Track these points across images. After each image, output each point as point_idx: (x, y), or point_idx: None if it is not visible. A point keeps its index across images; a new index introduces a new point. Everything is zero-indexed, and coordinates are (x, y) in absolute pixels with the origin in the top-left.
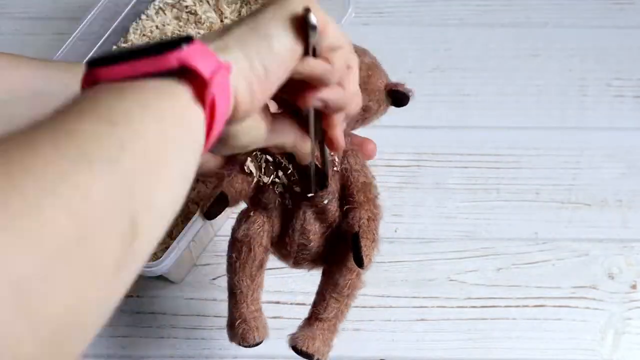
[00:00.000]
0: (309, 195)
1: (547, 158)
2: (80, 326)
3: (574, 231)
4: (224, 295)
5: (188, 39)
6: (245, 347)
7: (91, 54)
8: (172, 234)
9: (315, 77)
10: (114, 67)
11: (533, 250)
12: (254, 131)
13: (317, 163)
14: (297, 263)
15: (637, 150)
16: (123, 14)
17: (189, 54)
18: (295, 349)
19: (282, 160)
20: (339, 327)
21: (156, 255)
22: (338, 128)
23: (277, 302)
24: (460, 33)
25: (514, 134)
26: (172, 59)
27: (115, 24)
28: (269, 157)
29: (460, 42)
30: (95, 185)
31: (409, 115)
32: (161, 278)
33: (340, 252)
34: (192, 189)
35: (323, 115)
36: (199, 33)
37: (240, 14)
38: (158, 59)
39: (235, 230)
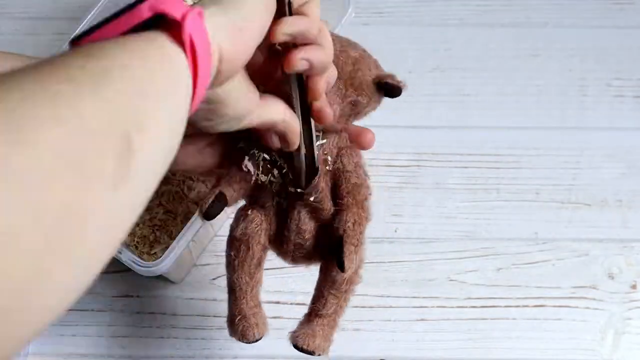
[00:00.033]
0: (299, 190)
1: (547, 158)
2: (79, 224)
3: (574, 231)
4: (224, 295)
5: None
6: (245, 343)
7: None
8: (172, 234)
9: (299, 34)
10: (94, 33)
11: (533, 250)
12: (242, 100)
13: (305, 153)
14: (294, 260)
15: (637, 150)
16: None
17: (158, 1)
18: (296, 346)
19: (278, 160)
20: (339, 322)
21: (156, 255)
22: (323, 95)
23: (277, 302)
24: (460, 33)
25: (514, 134)
26: (144, 9)
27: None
28: (266, 156)
29: (460, 42)
30: (84, 102)
31: (409, 115)
32: (161, 278)
33: (333, 251)
34: (192, 189)
35: (307, 84)
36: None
37: None
38: (132, 14)
39: (233, 228)
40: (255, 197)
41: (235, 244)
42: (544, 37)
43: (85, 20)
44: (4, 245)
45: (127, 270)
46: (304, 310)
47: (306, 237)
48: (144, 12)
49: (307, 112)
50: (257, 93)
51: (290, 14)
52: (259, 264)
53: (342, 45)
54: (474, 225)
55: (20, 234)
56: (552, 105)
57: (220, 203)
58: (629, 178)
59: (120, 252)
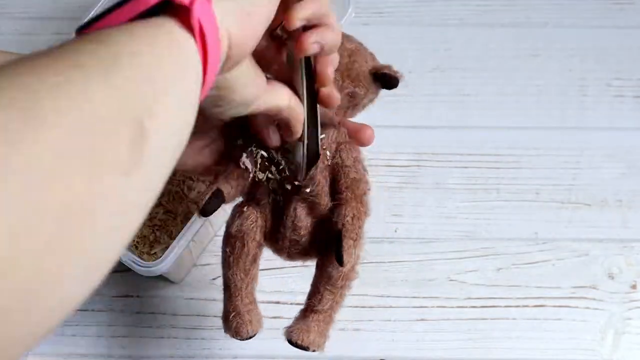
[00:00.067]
0: (296, 183)
1: (547, 158)
2: (88, 216)
3: (574, 231)
4: None
5: None
6: (239, 339)
7: None
8: (172, 234)
9: (313, 17)
10: (100, 21)
11: (533, 250)
12: (251, 86)
13: (307, 142)
14: (290, 257)
15: (637, 150)
16: None
17: None
18: (290, 341)
19: (275, 156)
20: (335, 317)
21: (156, 255)
22: (332, 79)
23: (277, 302)
24: (460, 33)
25: (514, 134)
26: None
27: None
28: (264, 153)
29: (460, 42)
30: (94, 89)
31: (409, 115)
32: (161, 278)
33: (332, 246)
34: (192, 189)
35: (315, 69)
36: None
37: None
38: (138, 0)
39: (229, 225)
40: (251, 195)
41: (231, 240)
42: (544, 37)
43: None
44: (12, 240)
45: (127, 270)
46: None
47: (302, 233)
48: None
49: (313, 98)
50: (264, 78)
51: None
52: (254, 260)
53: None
54: (474, 225)
55: (31, 225)
56: (552, 105)
57: (218, 199)
58: (629, 178)
59: None
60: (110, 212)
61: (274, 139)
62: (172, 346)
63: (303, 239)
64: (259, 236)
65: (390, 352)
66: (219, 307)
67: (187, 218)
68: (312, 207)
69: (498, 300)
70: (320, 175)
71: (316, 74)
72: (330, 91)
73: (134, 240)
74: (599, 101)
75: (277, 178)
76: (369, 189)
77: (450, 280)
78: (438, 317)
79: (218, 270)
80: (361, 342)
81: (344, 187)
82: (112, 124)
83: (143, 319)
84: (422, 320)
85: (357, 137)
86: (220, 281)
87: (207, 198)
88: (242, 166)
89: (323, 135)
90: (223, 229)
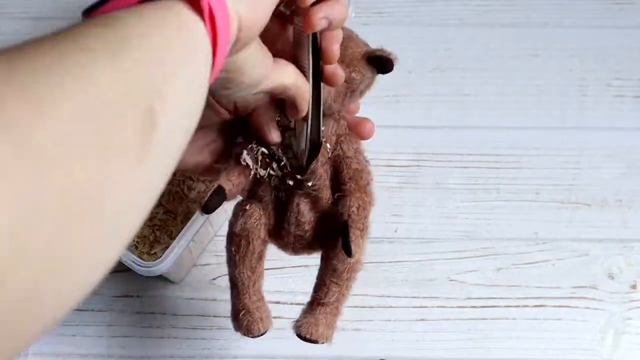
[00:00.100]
0: (298, 177)
1: (547, 158)
2: (95, 202)
3: (574, 231)
4: (224, 295)
5: None
6: (251, 337)
7: None
8: (172, 234)
9: None
10: (107, 4)
11: (533, 250)
12: (259, 67)
13: (311, 123)
14: (295, 251)
15: (637, 150)
16: None
17: None
18: (299, 335)
19: (276, 152)
20: (342, 309)
21: (156, 255)
22: (337, 52)
23: (277, 302)
24: (460, 33)
25: (514, 134)
26: None
27: None
28: (264, 150)
29: (460, 42)
30: (101, 72)
31: (409, 115)
32: (161, 278)
33: (336, 238)
34: (192, 189)
35: (321, 46)
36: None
37: None
38: None
39: (232, 224)
40: (253, 192)
41: (235, 239)
42: (544, 37)
43: None
44: (12, 233)
45: (127, 270)
46: None
47: (305, 228)
48: None
49: (318, 76)
50: (271, 58)
51: None
52: (260, 257)
53: None
54: (474, 225)
55: (35, 215)
56: (552, 105)
57: (219, 196)
58: (629, 178)
59: None
60: (117, 198)
61: (274, 136)
62: (172, 346)
63: (307, 234)
64: (263, 233)
65: (390, 352)
66: (219, 307)
67: (187, 218)
68: (314, 201)
69: (498, 300)
70: (322, 169)
71: (322, 51)
72: (335, 68)
73: (134, 240)
74: (599, 101)
75: (278, 175)
76: (371, 179)
77: (450, 280)
78: (438, 317)
79: (218, 270)
80: (361, 342)
81: (347, 178)
82: (120, 107)
83: (143, 319)
84: (422, 320)
85: (357, 130)
86: (220, 281)
87: (208, 195)
88: (243, 163)
89: (323, 128)
90: (223, 229)
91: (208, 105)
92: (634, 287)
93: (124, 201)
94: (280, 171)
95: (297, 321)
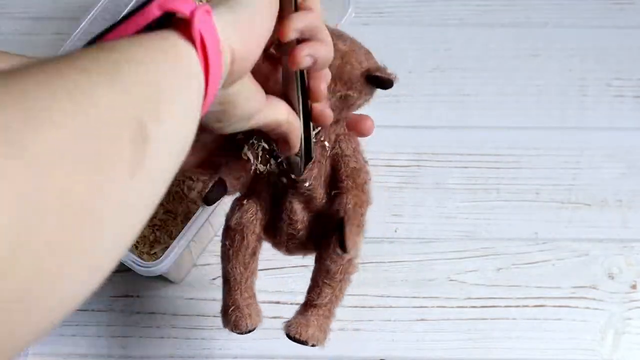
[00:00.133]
0: (293, 177)
1: (547, 158)
2: (90, 216)
3: (574, 231)
4: None
5: None
6: (238, 333)
7: None
8: (172, 234)
9: (307, 29)
10: (106, 35)
11: (533, 250)
12: (252, 100)
13: (302, 153)
14: (289, 251)
15: (637, 150)
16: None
17: (167, 0)
18: (289, 336)
19: (275, 149)
20: (335, 312)
21: (156, 255)
22: (325, 96)
23: (277, 302)
24: (460, 33)
25: (514, 134)
26: (154, 8)
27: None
28: (265, 145)
29: (460, 42)
30: (97, 93)
31: (409, 115)
32: (161, 278)
33: (330, 239)
34: (192, 189)
35: (309, 85)
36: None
37: None
38: (142, 14)
39: (228, 218)
40: (251, 188)
41: (230, 233)
42: (544, 37)
43: (85, 20)
44: (11, 241)
45: (127, 270)
46: None
47: (298, 227)
48: (154, 10)
49: (307, 114)
50: (263, 93)
51: (296, 9)
52: (254, 254)
53: (331, 36)
54: (474, 225)
55: (31, 225)
56: (552, 105)
57: (220, 188)
58: (629, 178)
59: None
60: (112, 213)
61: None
62: (172, 346)
63: (300, 233)
64: (258, 229)
65: (390, 352)
66: (219, 307)
67: (187, 218)
68: (307, 201)
69: (498, 300)
70: (316, 168)
71: (309, 90)
72: (323, 108)
73: (133, 240)
74: (599, 101)
75: (275, 171)
76: (369, 179)
77: (450, 280)
78: (438, 317)
79: (218, 270)
80: (361, 342)
81: (345, 176)
82: (117, 127)
83: (143, 319)
84: (422, 320)
85: (357, 127)
86: (220, 281)
87: (209, 186)
88: (244, 157)
89: (320, 128)
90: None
91: None
92: (634, 287)
93: (118, 214)
94: (277, 168)
95: (288, 322)
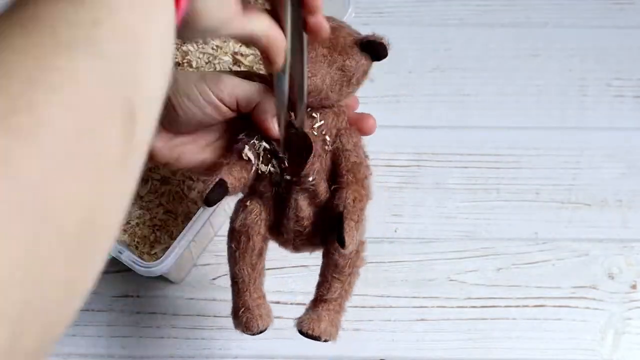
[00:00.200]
0: (296, 170)
1: (547, 158)
2: (102, 224)
3: (574, 231)
4: (224, 295)
5: None
6: (250, 335)
7: None
8: (172, 234)
9: None
10: None
11: (533, 250)
12: (217, 10)
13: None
14: (296, 248)
15: (637, 150)
16: None
17: None
18: (301, 332)
19: (277, 149)
20: (345, 306)
21: (156, 256)
22: (321, 3)
23: (277, 302)
24: (460, 33)
25: (514, 134)
26: None
27: None
28: (266, 145)
29: (460, 42)
30: (81, 71)
31: (409, 115)
32: (161, 278)
33: (335, 232)
34: (192, 189)
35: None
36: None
37: None
38: None
39: (233, 220)
40: (254, 188)
41: (236, 235)
42: (544, 37)
43: None
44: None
45: (127, 270)
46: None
47: (305, 224)
48: None
49: (300, 30)
50: (237, 3)
51: None
52: (260, 254)
53: None
54: (474, 225)
55: (46, 251)
56: (552, 105)
57: (221, 189)
58: (629, 178)
59: (120, 252)
60: (108, 207)
61: (277, 129)
62: (172, 346)
63: (306, 230)
64: (263, 229)
65: (390, 352)
66: (219, 307)
67: (187, 218)
68: (312, 196)
69: (498, 300)
70: (318, 162)
71: (304, 2)
72: (320, 21)
73: (134, 241)
74: (599, 101)
75: (278, 170)
76: (370, 174)
77: (450, 280)
78: (438, 317)
79: (218, 270)
80: (361, 342)
81: (345, 171)
82: (103, 113)
83: (143, 319)
84: (422, 320)
85: (359, 126)
86: (220, 281)
87: (210, 187)
88: (245, 157)
89: (322, 122)
90: (223, 229)
91: (210, 104)
92: (634, 287)
93: (113, 206)
94: (280, 167)
95: (300, 318)
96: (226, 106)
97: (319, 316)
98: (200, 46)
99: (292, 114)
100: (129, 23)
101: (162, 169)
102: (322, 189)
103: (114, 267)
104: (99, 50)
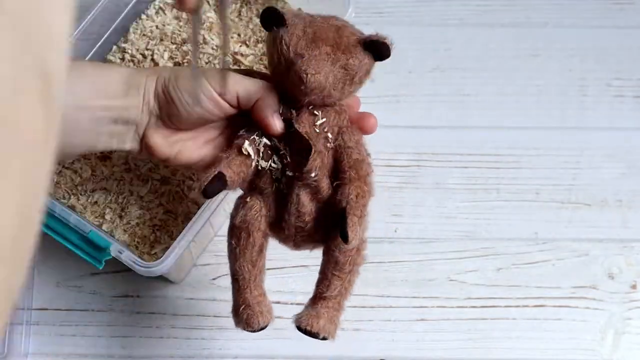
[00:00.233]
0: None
1: (547, 158)
2: (31, 216)
3: (574, 231)
4: (224, 295)
5: None
6: (250, 331)
7: (91, 54)
8: (172, 234)
9: None
10: None
11: (533, 250)
12: None
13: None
14: (297, 245)
15: (637, 150)
16: (123, 14)
17: None
18: (299, 328)
19: (278, 145)
20: (344, 305)
21: (156, 256)
22: None
23: (277, 302)
24: (460, 33)
25: (514, 134)
26: None
27: (115, 24)
28: (267, 141)
29: (460, 42)
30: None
31: (409, 115)
32: (161, 278)
33: (337, 228)
34: (192, 189)
35: None
36: (199, 33)
37: (240, 14)
38: None
39: (233, 216)
40: (254, 185)
41: (236, 231)
42: (544, 37)
43: (86, 20)
44: None
45: (127, 270)
46: None
47: (306, 219)
48: None
49: None
50: None
51: None
52: (261, 251)
53: (324, 18)
54: (474, 225)
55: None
56: (552, 105)
57: (220, 182)
58: (629, 178)
59: (120, 252)
60: (36, 202)
61: (277, 126)
62: (172, 346)
63: (308, 225)
64: (264, 226)
65: (390, 352)
66: (219, 307)
67: (187, 218)
68: (314, 192)
69: (498, 300)
70: (320, 159)
71: None
72: None
73: (134, 241)
74: (599, 101)
75: (279, 167)
76: (372, 171)
77: (450, 280)
78: (438, 317)
79: (218, 270)
80: (361, 342)
81: (347, 167)
82: (18, 81)
83: (143, 319)
84: (422, 320)
85: (360, 124)
86: (220, 281)
87: (209, 179)
88: (245, 152)
89: (324, 119)
90: (223, 229)
91: (210, 99)
92: (634, 287)
93: (36, 186)
94: (281, 163)
95: (298, 314)
96: (226, 102)
97: (317, 313)
98: (200, 46)
99: (293, 111)
100: None
101: (162, 169)
102: (325, 185)
103: (114, 267)
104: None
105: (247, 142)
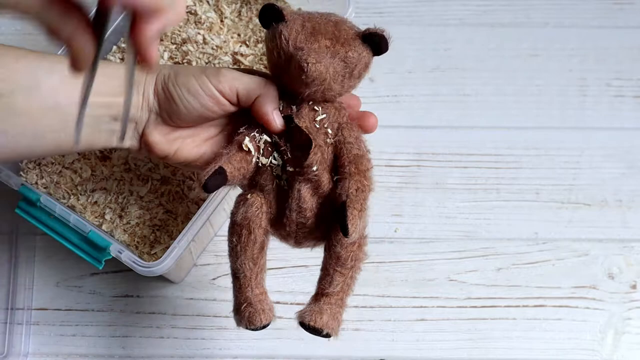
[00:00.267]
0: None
1: (547, 158)
2: None
3: (574, 231)
4: (224, 295)
5: None
6: (252, 330)
7: None
8: (172, 234)
9: None
10: None
11: (533, 250)
12: None
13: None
14: (298, 242)
15: (637, 150)
16: (123, 14)
17: None
18: (302, 324)
19: (278, 141)
20: (347, 301)
21: (156, 256)
22: (152, 42)
23: (277, 302)
24: (460, 33)
25: (514, 134)
26: None
27: (115, 24)
28: (267, 138)
29: (460, 42)
30: None
31: (409, 115)
32: (161, 278)
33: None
34: (192, 189)
35: (132, 24)
36: (199, 33)
37: (240, 14)
38: None
39: (234, 214)
40: (255, 182)
41: (237, 229)
42: (544, 37)
43: None
44: None
45: (127, 270)
46: None
47: (307, 215)
48: None
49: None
50: None
51: None
52: (262, 248)
53: (323, 15)
54: (474, 225)
55: None
56: (552, 105)
57: (220, 176)
58: (629, 178)
59: (120, 252)
60: None
61: (278, 123)
62: (172, 346)
63: (309, 221)
64: (264, 222)
65: (390, 352)
66: (219, 307)
67: (187, 218)
68: (315, 187)
69: (498, 300)
70: (320, 153)
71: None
72: (148, 49)
73: (134, 241)
74: (599, 101)
75: (279, 163)
76: (371, 167)
77: (450, 280)
78: (438, 317)
79: (218, 270)
80: (361, 342)
81: (347, 162)
82: None
83: (143, 319)
84: (422, 320)
85: (361, 123)
86: (220, 281)
87: (209, 174)
88: (245, 148)
89: (324, 116)
90: (223, 229)
91: (210, 96)
92: (634, 287)
93: None
94: (282, 159)
95: (301, 311)
96: (226, 98)
97: (320, 309)
98: (200, 46)
99: (294, 107)
100: None
101: (162, 169)
102: (325, 179)
103: (114, 267)
104: None
105: (247, 139)
